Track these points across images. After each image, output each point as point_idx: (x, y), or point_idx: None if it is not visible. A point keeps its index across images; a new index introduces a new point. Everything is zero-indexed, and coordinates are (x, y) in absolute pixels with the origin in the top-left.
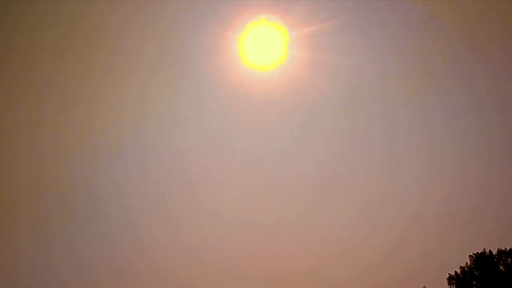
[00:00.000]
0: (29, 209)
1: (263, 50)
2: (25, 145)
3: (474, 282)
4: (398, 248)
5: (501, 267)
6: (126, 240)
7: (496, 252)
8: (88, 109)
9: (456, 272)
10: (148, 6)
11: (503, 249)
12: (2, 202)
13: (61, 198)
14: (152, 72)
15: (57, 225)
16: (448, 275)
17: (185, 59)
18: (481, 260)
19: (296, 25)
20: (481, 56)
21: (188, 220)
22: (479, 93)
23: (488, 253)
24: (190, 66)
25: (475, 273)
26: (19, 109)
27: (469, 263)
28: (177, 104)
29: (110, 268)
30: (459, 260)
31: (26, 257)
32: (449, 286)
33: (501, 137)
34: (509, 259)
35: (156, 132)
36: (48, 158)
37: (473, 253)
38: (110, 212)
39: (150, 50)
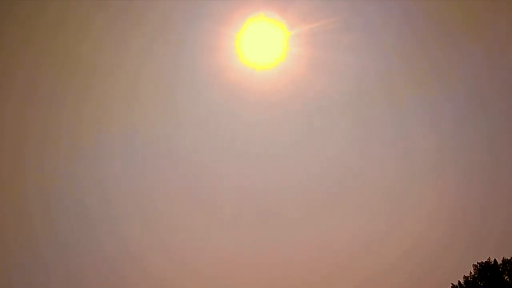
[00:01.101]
0: (12, 211)
1: (262, 48)
2: (9, 146)
3: None
4: (399, 258)
5: (506, 277)
6: (116, 249)
7: (501, 262)
8: (75, 110)
9: (459, 282)
10: (139, 1)
11: (508, 258)
12: None
13: (46, 201)
14: (143, 71)
15: (40, 231)
16: (451, 285)
17: (178, 57)
18: (486, 269)
19: (296, 22)
20: (491, 55)
21: (183, 226)
22: (489, 93)
23: (492, 263)
24: (184, 65)
25: (479, 283)
26: (3, 109)
27: (473, 273)
28: (171, 105)
29: (98, 275)
30: (463, 270)
31: (9, 260)
32: None
33: (510, 140)
34: None
35: (148, 134)
36: (33, 159)
37: (477, 263)
38: (97, 217)
39: (141, 48)
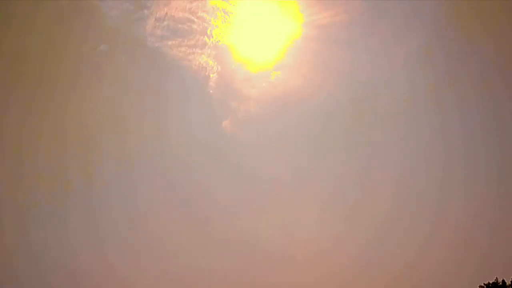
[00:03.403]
0: None
1: (259, 44)
2: None
3: None
4: (404, 278)
5: None
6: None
7: (509, 282)
8: (53, 117)
9: None
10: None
11: None
12: None
13: (24, 219)
14: (127, 69)
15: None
16: None
17: (163, 58)
18: None
19: (298, 15)
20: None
21: (177, 239)
22: (503, 95)
23: (500, 283)
24: (173, 61)
25: None
26: None
27: None
28: (159, 106)
29: None
30: None
31: None
32: None
33: None
34: None
35: (135, 140)
36: (9, 171)
37: (484, 283)
38: (81, 239)
39: (127, 42)
